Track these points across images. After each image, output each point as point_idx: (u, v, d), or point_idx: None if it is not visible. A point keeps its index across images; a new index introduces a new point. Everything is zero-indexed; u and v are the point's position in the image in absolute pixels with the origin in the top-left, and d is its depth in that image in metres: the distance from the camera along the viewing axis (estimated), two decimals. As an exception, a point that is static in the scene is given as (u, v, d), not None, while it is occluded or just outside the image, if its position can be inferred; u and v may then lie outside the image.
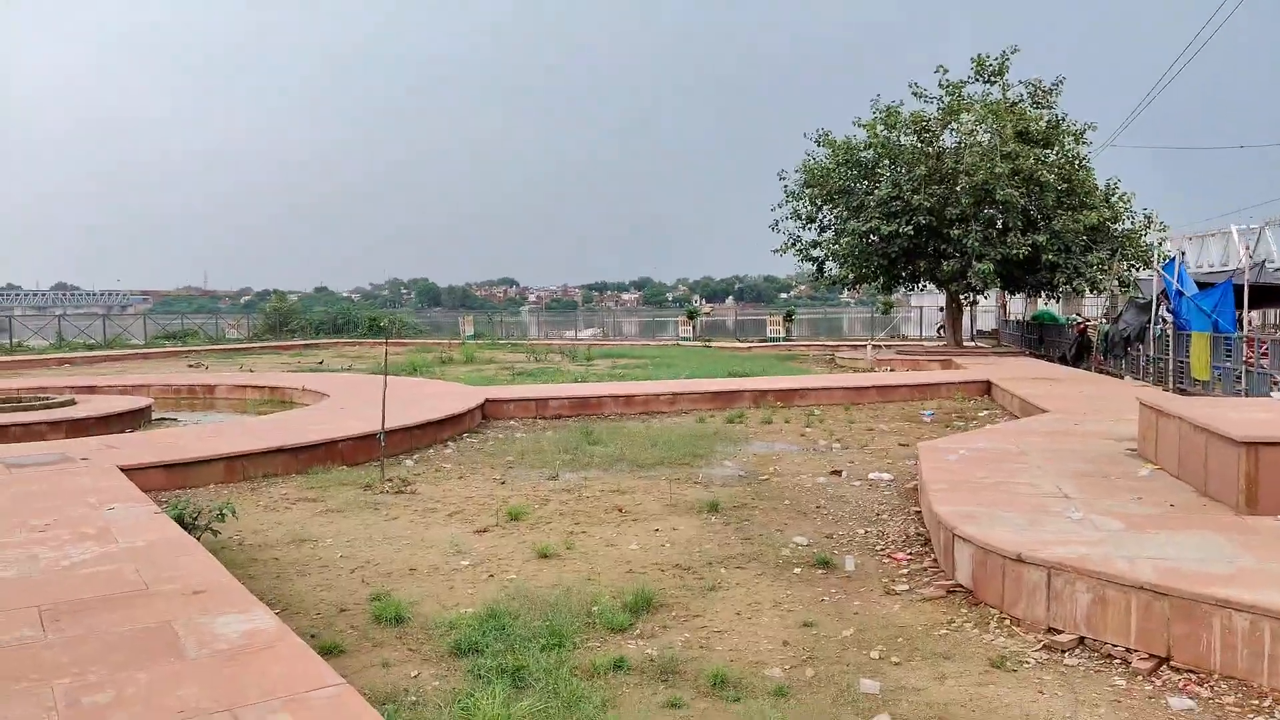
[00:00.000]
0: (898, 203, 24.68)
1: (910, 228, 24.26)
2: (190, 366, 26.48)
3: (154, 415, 13.98)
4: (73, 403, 13.39)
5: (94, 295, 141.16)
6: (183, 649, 3.68)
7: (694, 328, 38.43)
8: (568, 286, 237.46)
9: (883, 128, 25.71)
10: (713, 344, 35.30)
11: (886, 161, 25.94)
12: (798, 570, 6.23)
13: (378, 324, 44.51)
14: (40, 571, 4.82)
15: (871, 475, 9.42)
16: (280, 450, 9.43)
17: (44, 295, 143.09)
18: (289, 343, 38.02)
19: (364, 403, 13.39)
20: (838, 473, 9.61)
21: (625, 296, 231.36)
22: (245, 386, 17.03)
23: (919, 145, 25.79)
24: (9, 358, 28.49)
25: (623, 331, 48.84)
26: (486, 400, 13.71)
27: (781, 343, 35.59)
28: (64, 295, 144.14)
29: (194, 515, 6.44)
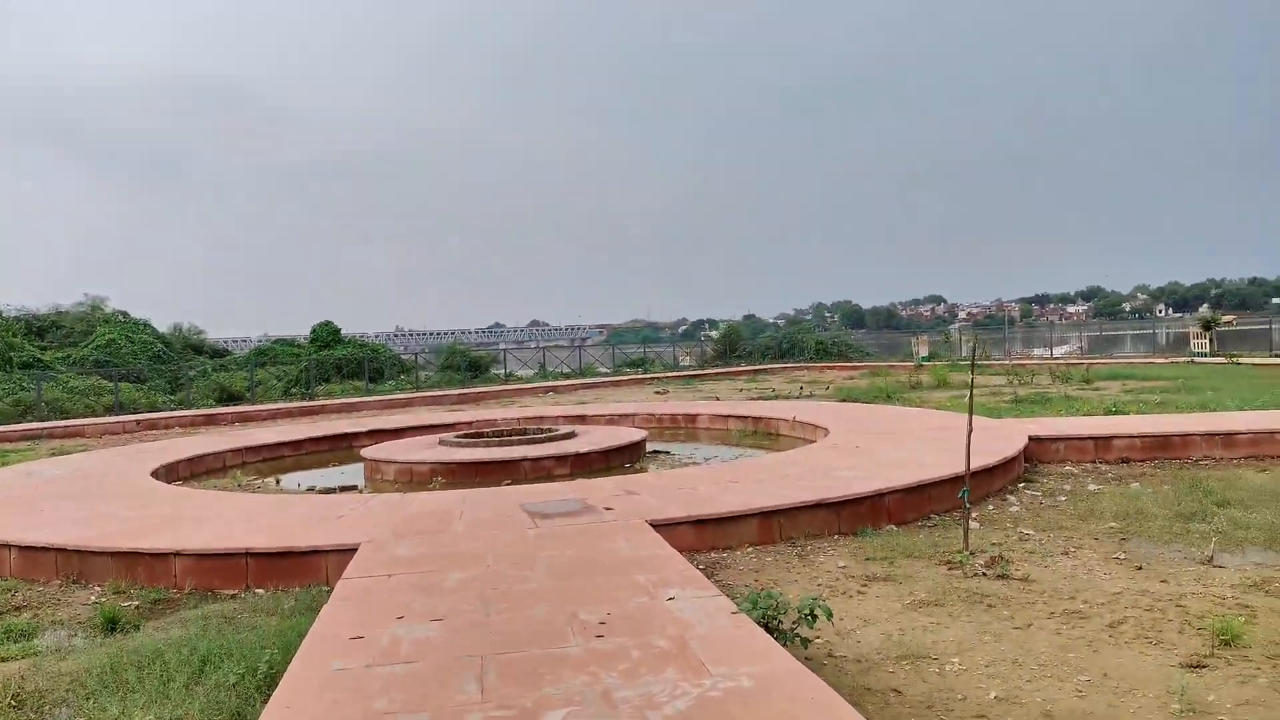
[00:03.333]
0: None
1: None
2: (657, 394, 26.77)
3: (647, 447, 13.16)
4: (573, 435, 12.99)
5: (560, 330, 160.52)
6: None
7: (1210, 340, 31.47)
8: (1002, 301, 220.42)
9: None
10: (1241, 360, 28.39)
11: None
12: None
13: (823, 346, 43.18)
14: (626, 731, 3.12)
15: None
16: (820, 505, 7.52)
17: (522, 331, 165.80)
18: (738, 368, 37.85)
19: (875, 439, 11.26)
20: None
21: (1070, 309, 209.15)
22: (727, 416, 15.89)
23: None
24: (505, 386, 31.31)
25: (1102, 349, 42.26)
26: (1029, 438, 10.83)
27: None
28: (538, 330, 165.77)
29: (777, 614, 4.59)
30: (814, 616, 4.60)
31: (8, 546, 7.56)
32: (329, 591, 5.95)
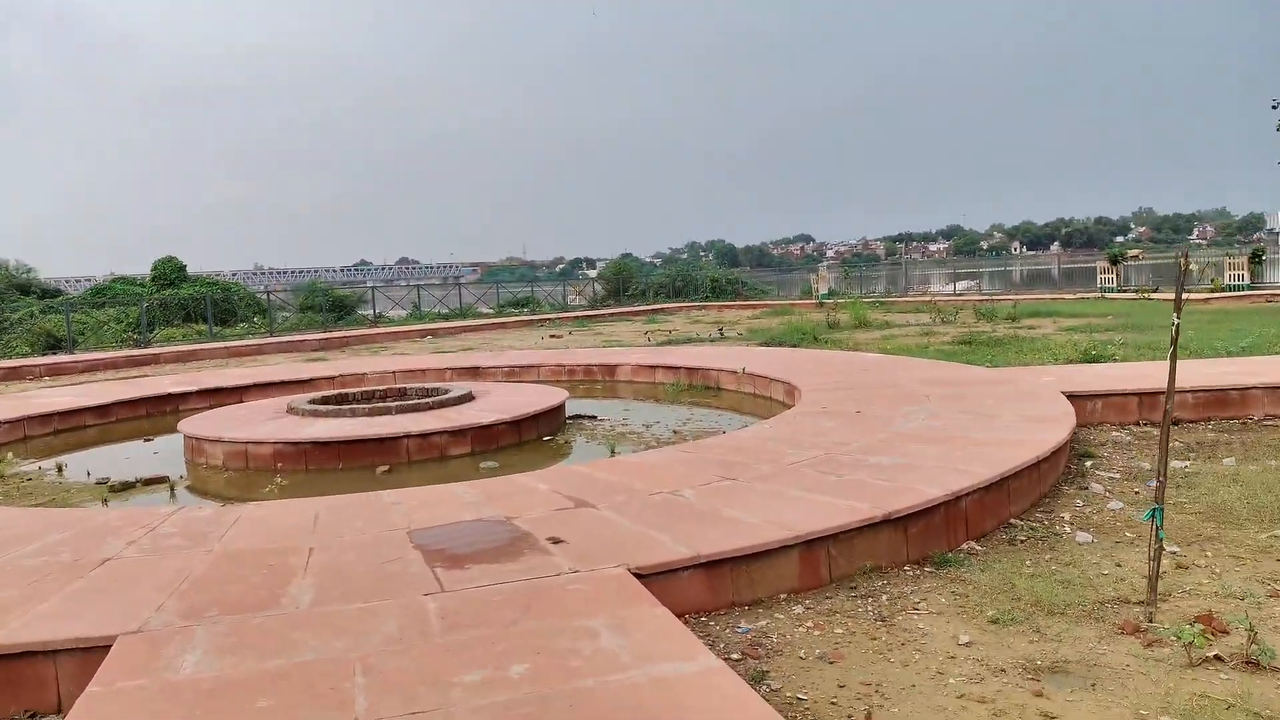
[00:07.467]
0: None
1: None
2: (552, 337, 23.81)
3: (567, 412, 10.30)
4: (470, 397, 9.98)
5: (433, 268, 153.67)
6: None
7: (1117, 275, 30.73)
8: (868, 240, 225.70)
9: None
10: (1153, 296, 27.58)
11: None
12: None
13: (718, 285, 40.98)
14: None
15: None
16: (885, 521, 4.88)
17: (390, 269, 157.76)
18: (633, 308, 35.16)
19: (868, 399, 8.76)
20: None
21: (932, 247, 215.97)
22: (655, 367, 13.12)
23: None
24: (374, 329, 27.60)
25: (996, 284, 41.68)
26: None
27: (1247, 291, 27.18)
28: (408, 269, 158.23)
29: None
30: None
31: None
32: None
